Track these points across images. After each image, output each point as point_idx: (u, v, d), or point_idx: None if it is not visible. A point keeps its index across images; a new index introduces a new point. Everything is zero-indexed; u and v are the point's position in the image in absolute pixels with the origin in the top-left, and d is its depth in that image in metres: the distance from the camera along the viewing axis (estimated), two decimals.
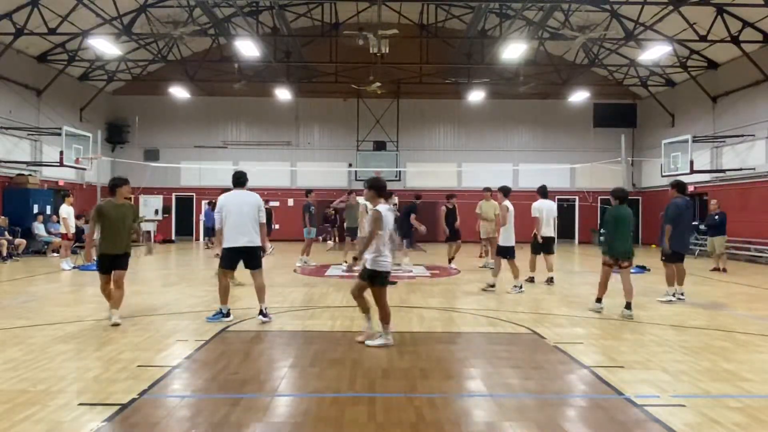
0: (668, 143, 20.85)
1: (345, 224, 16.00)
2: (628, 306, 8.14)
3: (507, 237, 10.54)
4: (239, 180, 7.58)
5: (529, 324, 7.62)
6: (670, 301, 9.34)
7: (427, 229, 14.23)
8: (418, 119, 27.39)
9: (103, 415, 4.16)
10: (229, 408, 4.39)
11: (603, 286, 8.49)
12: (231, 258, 7.42)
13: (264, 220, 7.49)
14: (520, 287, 10.55)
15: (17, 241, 17.28)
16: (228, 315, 7.50)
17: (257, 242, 7.41)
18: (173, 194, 27.29)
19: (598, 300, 8.51)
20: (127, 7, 19.41)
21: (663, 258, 9.68)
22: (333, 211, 26.46)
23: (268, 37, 22.02)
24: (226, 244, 7.35)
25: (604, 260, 8.46)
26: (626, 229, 8.35)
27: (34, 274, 9.97)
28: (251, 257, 7.44)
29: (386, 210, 6.29)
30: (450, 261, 15.05)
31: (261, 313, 7.49)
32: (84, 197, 21.94)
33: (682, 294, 9.47)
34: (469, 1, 22.30)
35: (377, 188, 6.39)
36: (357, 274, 6.48)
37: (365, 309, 6.53)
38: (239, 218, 7.31)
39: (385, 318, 6.30)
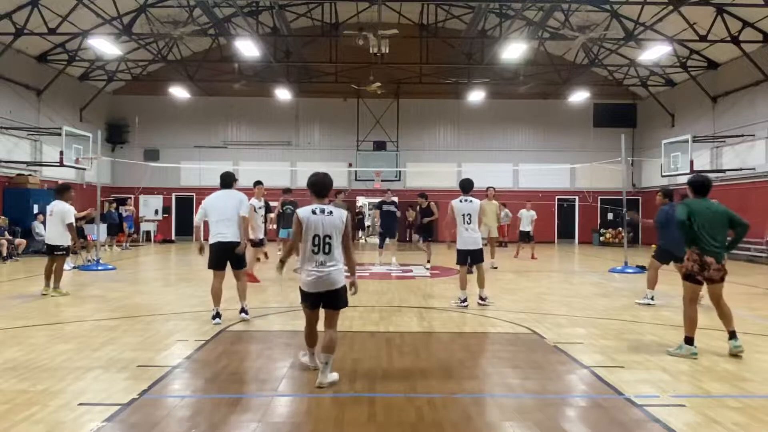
0: (668, 143, 20.85)
1: None
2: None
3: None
4: (225, 180, 7.75)
5: (529, 324, 7.61)
6: (648, 304, 9.25)
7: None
8: (418, 119, 27.37)
9: (103, 415, 4.16)
10: (229, 408, 4.39)
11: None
12: (215, 257, 7.50)
13: (244, 213, 7.54)
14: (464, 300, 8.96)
15: (17, 241, 17.26)
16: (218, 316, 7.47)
17: (239, 239, 7.46)
18: (173, 194, 27.29)
19: None
20: (127, 7, 19.40)
21: (653, 255, 9.62)
22: None
23: (268, 37, 22.00)
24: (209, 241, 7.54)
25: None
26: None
27: (34, 274, 9.97)
28: (234, 255, 7.50)
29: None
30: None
31: (242, 310, 7.65)
32: (84, 197, 21.94)
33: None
34: (469, 1, 22.30)
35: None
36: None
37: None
38: (221, 218, 7.44)
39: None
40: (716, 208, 6.13)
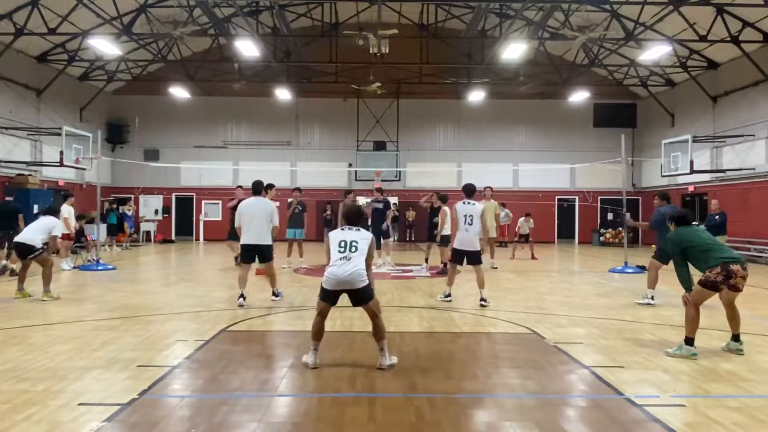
0: (668, 143, 20.82)
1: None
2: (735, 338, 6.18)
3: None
4: (255, 188, 9.15)
5: (529, 324, 7.61)
6: (648, 303, 9.23)
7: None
8: (418, 119, 27.36)
9: (103, 415, 4.15)
10: (229, 408, 4.39)
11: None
12: (245, 253, 8.90)
13: (276, 224, 8.89)
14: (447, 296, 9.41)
15: None
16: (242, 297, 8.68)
17: (267, 241, 8.84)
18: (173, 194, 27.30)
19: None
20: (127, 7, 19.40)
21: (653, 255, 9.59)
22: (330, 213, 26.47)
23: (268, 37, 22.00)
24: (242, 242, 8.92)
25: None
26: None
27: (33, 274, 9.95)
28: (261, 253, 8.93)
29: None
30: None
31: (273, 294, 9.14)
32: (84, 197, 21.94)
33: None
34: (469, 1, 22.30)
35: None
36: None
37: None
38: (252, 221, 8.80)
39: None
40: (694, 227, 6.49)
